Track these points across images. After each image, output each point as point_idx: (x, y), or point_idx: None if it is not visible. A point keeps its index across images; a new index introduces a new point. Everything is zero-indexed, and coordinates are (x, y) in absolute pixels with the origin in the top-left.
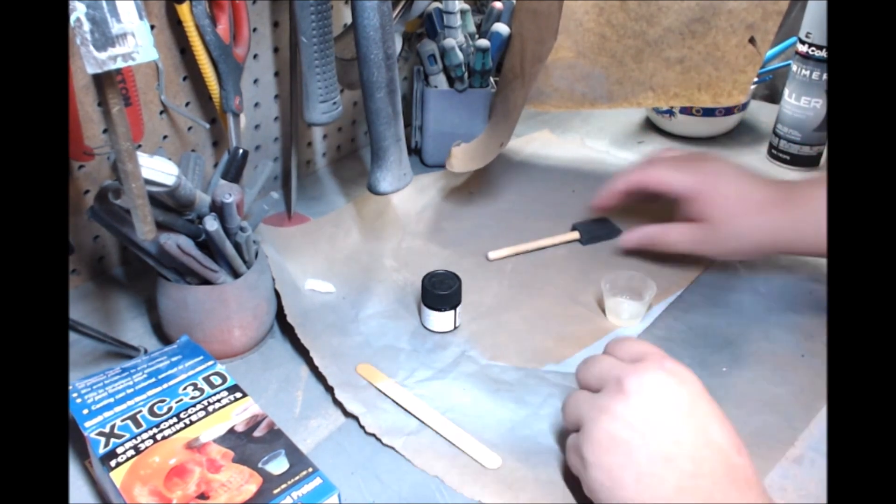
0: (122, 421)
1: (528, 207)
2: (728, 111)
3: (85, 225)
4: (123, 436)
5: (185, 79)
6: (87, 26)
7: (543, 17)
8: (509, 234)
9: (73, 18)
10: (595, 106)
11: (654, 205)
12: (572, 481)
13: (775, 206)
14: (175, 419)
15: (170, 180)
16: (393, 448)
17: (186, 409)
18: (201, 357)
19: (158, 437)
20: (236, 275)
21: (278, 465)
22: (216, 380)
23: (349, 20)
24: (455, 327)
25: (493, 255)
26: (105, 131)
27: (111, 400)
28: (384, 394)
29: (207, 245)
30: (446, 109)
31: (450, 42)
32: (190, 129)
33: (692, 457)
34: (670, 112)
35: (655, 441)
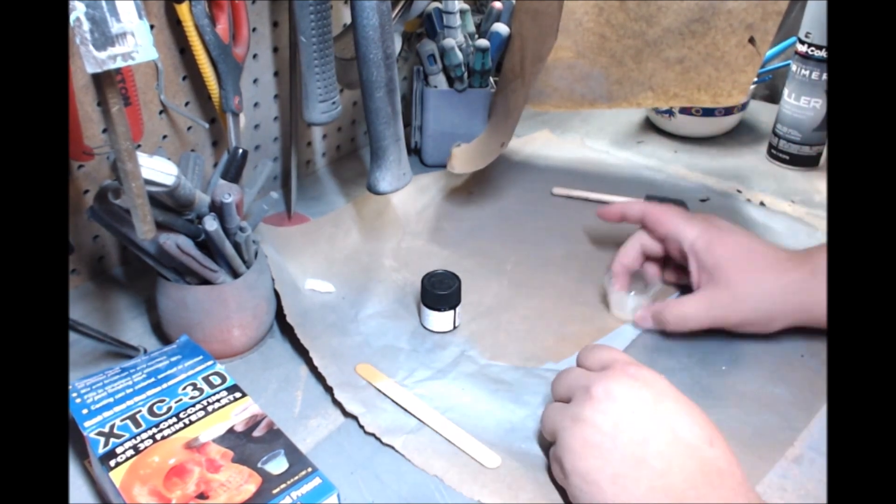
0: (122, 421)
1: (529, 207)
2: (728, 111)
3: (85, 225)
4: (123, 435)
5: (184, 78)
6: (86, 26)
7: (543, 16)
8: (510, 235)
9: (72, 18)
10: (594, 106)
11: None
12: (562, 492)
13: (794, 266)
14: (174, 419)
15: (169, 180)
16: (392, 448)
17: (186, 409)
18: (201, 357)
19: (158, 436)
20: (236, 275)
21: (278, 465)
22: (216, 380)
23: (349, 20)
24: (454, 327)
25: (557, 190)
26: (104, 131)
27: (111, 400)
28: (383, 393)
29: (207, 245)
30: (446, 109)
31: (449, 42)
32: (189, 128)
33: (661, 455)
34: (670, 112)
35: (624, 443)
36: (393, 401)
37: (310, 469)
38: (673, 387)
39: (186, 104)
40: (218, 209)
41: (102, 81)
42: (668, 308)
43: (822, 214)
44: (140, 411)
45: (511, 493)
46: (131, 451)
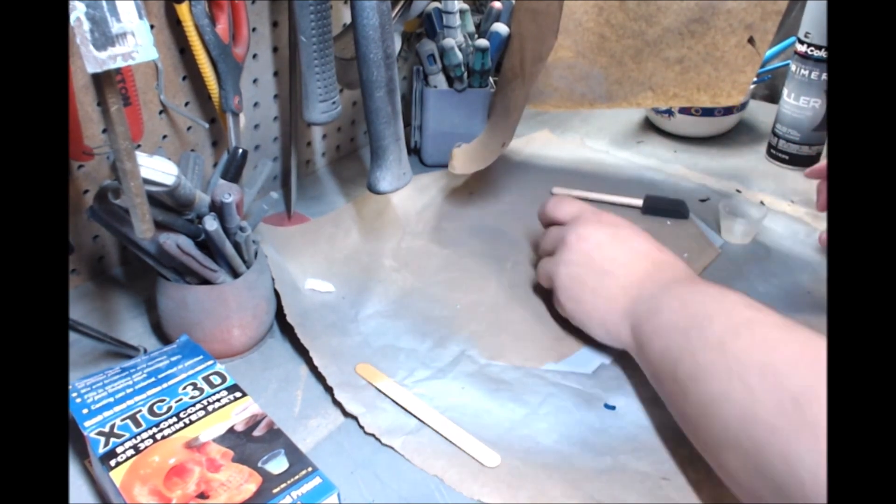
0: (122, 420)
1: (529, 208)
2: (727, 111)
3: (85, 225)
4: (123, 435)
5: (184, 78)
6: (86, 26)
7: (543, 16)
8: (510, 235)
9: (72, 18)
10: (594, 106)
11: None
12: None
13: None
14: (175, 419)
15: (169, 180)
16: (392, 447)
17: (186, 409)
18: (201, 357)
19: (158, 436)
20: (236, 274)
21: (278, 465)
22: (216, 379)
23: (349, 20)
24: None
25: (557, 189)
26: (104, 131)
27: (111, 399)
28: (383, 393)
29: (207, 245)
30: (446, 109)
31: (449, 42)
32: (189, 128)
33: (624, 265)
34: (669, 112)
35: (595, 266)
36: (393, 400)
37: (310, 469)
38: (628, 222)
39: (186, 104)
40: (218, 209)
41: (102, 81)
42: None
43: (822, 214)
44: (140, 411)
45: (511, 492)
46: (131, 451)
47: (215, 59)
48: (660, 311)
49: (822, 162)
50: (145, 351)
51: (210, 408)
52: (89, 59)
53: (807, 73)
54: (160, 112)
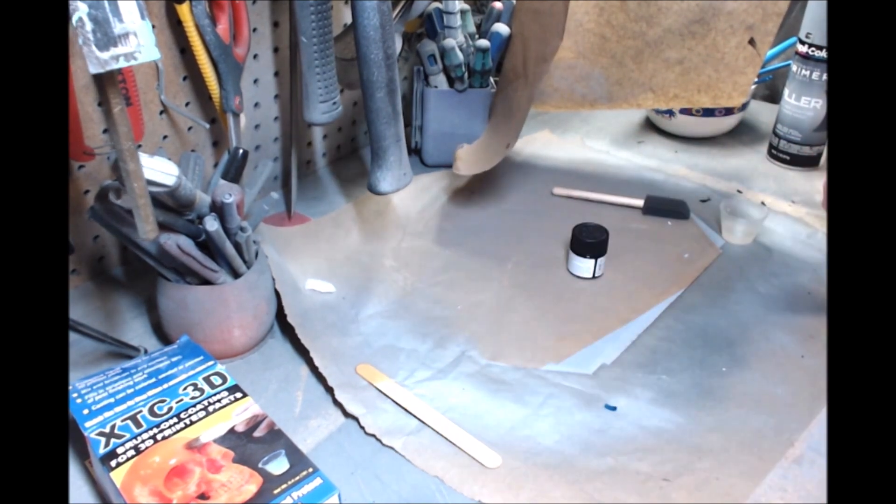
0: (123, 421)
1: (529, 207)
2: (728, 111)
3: (85, 225)
4: (124, 436)
5: (185, 79)
6: (89, 26)
7: (547, 17)
8: (510, 235)
9: (75, 18)
10: (595, 106)
11: None
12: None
13: None
14: (175, 419)
15: (170, 180)
16: (393, 448)
17: (187, 410)
18: (201, 357)
19: (159, 437)
20: (236, 275)
21: (278, 466)
22: (216, 380)
23: (349, 20)
24: (594, 276)
25: (557, 190)
26: (105, 131)
27: (111, 400)
28: (384, 394)
29: (207, 245)
30: (446, 109)
31: (450, 42)
32: (190, 129)
33: None
34: (670, 112)
35: None
36: (393, 401)
37: (311, 469)
38: None
39: (187, 104)
40: (218, 209)
41: (104, 81)
42: None
43: (822, 214)
44: (141, 411)
45: (511, 492)
46: (132, 452)
47: (216, 60)
48: None
49: None
50: (146, 351)
51: (211, 408)
52: (92, 59)
53: (808, 73)
54: (161, 112)
